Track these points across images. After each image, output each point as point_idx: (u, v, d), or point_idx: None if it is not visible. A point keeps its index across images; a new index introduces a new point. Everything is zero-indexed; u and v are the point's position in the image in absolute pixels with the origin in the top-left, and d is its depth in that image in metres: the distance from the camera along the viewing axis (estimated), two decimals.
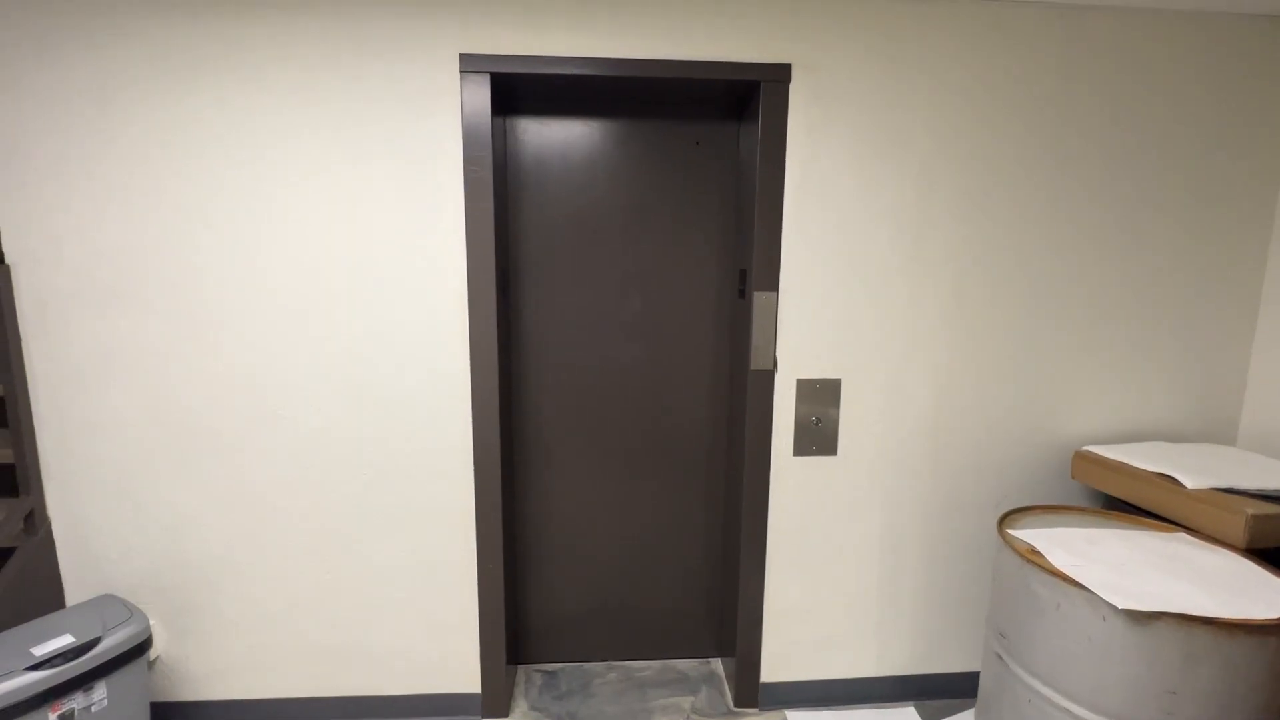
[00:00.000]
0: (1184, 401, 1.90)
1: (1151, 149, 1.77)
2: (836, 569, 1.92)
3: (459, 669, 1.90)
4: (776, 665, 1.96)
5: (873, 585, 1.93)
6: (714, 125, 1.91)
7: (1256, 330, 1.88)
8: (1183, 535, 1.46)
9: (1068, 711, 1.25)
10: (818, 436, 1.85)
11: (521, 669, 2.14)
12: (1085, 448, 1.79)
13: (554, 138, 1.89)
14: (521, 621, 2.14)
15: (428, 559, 1.83)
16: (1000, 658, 1.41)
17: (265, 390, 1.72)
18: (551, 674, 2.11)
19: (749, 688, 1.96)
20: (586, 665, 2.16)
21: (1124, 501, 1.67)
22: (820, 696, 1.98)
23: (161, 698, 1.84)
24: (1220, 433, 1.92)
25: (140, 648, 1.60)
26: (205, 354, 1.69)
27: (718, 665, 2.17)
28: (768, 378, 1.81)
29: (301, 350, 1.71)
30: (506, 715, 1.92)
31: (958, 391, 1.86)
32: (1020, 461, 1.89)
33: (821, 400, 1.83)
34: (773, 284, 1.76)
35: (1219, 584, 1.22)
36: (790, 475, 1.86)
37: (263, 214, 1.65)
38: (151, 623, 1.76)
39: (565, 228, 1.93)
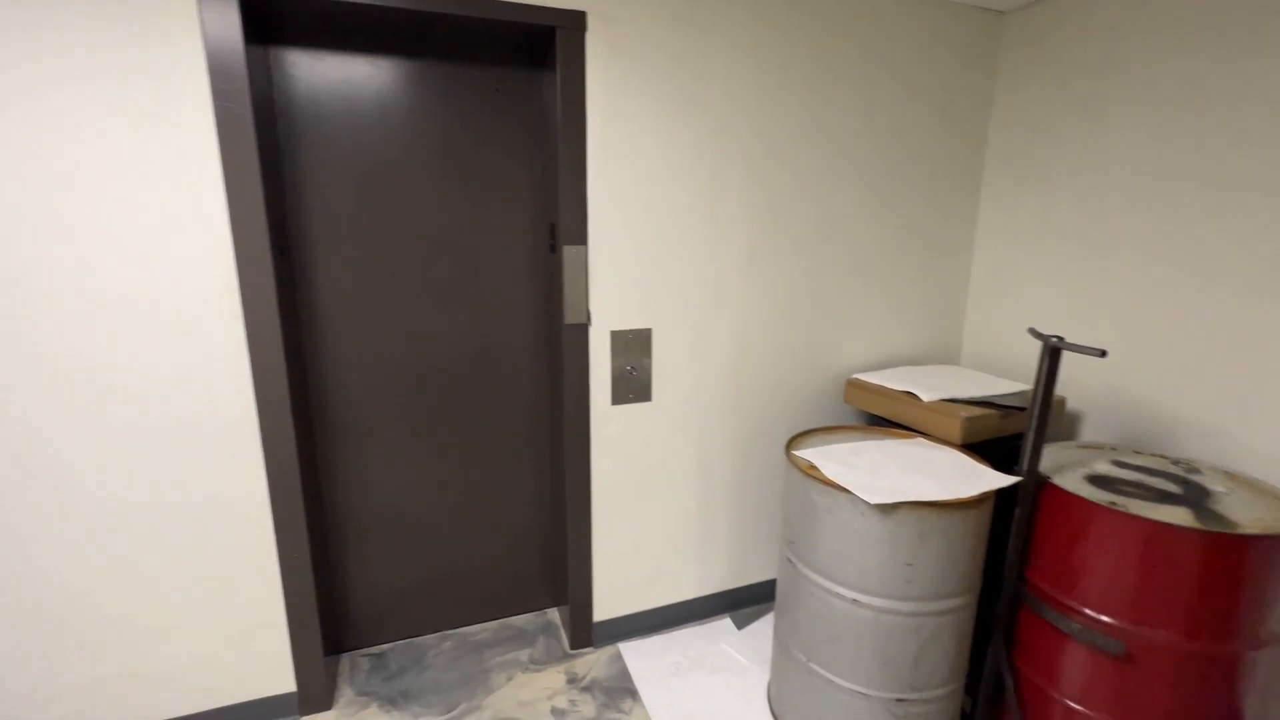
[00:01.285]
0: (923, 332, 2.30)
1: (894, 127, 2.06)
2: (658, 506, 2.05)
3: (270, 670, 1.72)
4: (608, 604, 2.07)
5: (691, 516, 2.11)
6: (516, 72, 1.83)
7: (971, 275, 2.32)
8: (921, 439, 1.78)
9: (840, 595, 1.49)
10: (634, 385, 1.93)
11: (346, 657, 2.01)
12: (854, 376, 2.10)
13: (333, 76, 1.68)
14: (343, 608, 2.00)
15: (216, 559, 1.61)
16: (791, 561, 1.63)
17: None
18: (380, 656, 2.01)
19: (583, 629, 2.04)
20: (419, 640, 2.09)
21: (882, 417, 1.99)
22: (650, 624, 2.14)
23: None
24: (949, 355, 2.36)
25: None
26: None
27: (554, 614, 2.24)
28: (582, 331, 1.83)
29: (7, 329, 1.36)
30: (329, 708, 1.80)
31: (755, 335, 2.05)
32: (807, 392, 2.16)
33: (635, 350, 1.91)
34: (581, 237, 1.77)
35: (943, 475, 1.52)
36: (610, 424, 1.93)
37: None
38: None
39: (358, 180, 1.75)
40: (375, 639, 2.06)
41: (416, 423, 1.95)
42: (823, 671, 1.56)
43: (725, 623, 2.19)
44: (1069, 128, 1.94)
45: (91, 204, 1.37)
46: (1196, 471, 1.55)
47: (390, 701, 1.82)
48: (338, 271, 1.78)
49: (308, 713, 1.77)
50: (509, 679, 1.91)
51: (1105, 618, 1.39)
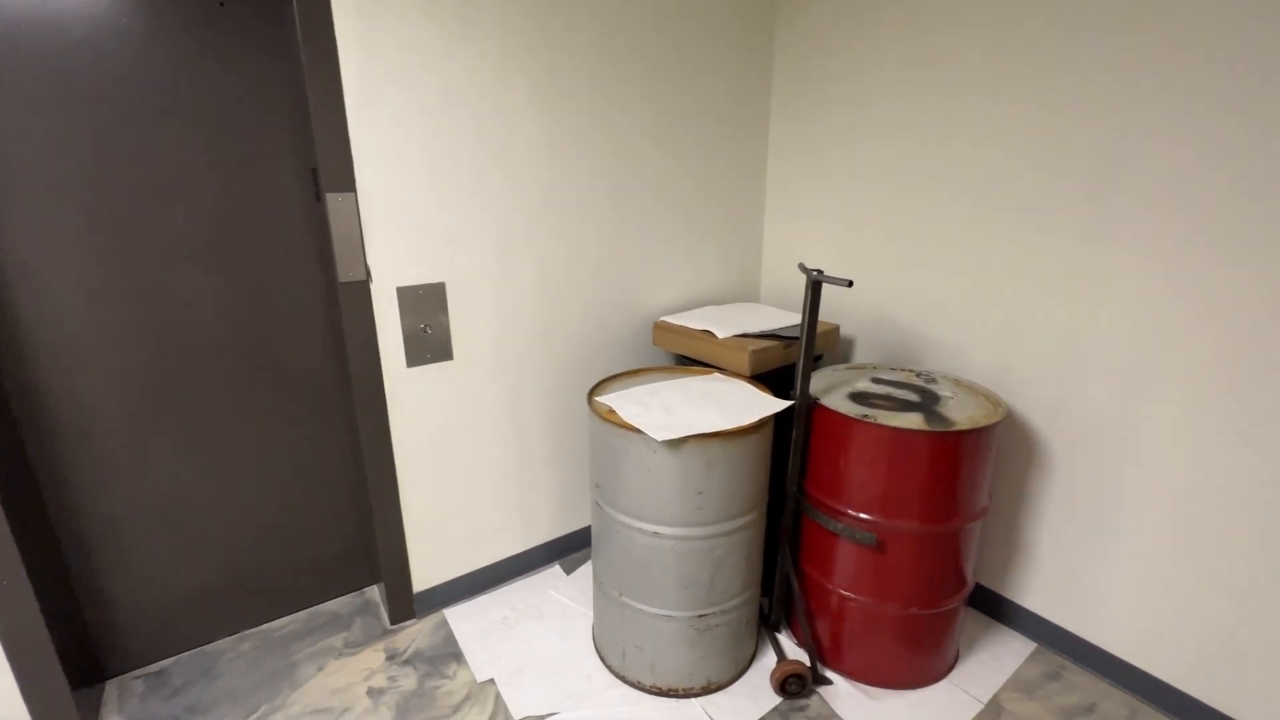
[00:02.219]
0: (726, 273, 2.41)
1: (683, 60, 2.06)
2: (473, 466, 1.98)
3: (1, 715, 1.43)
4: (428, 572, 1.99)
5: (509, 472, 2.07)
6: None
7: (765, 217, 2.46)
8: (717, 374, 1.88)
9: (642, 530, 1.55)
10: (431, 344, 1.81)
11: (113, 683, 1.74)
12: (660, 318, 2.15)
13: None
14: (106, 629, 1.71)
15: None
16: (599, 505, 1.66)
17: None
18: (159, 674, 1.77)
19: (403, 602, 1.95)
20: (209, 648, 1.87)
21: (686, 356, 2.07)
22: (477, 585, 2.10)
23: None
24: (749, 293, 2.51)
25: None
26: None
27: (373, 592, 2.11)
28: (362, 289, 1.66)
29: None
30: None
31: (560, 283, 2.01)
32: (616, 337, 2.18)
33: (428, 307, 1.78)
34: (348, 184, 1.58)
35: (730, 406, 1.61)
36: (409, 388, 1.80)
37: None
38: None
39: (61, 121, 1.38)
40: (152, 656, 1.80)
41: (177, 410, 1.67)
42: (632, 602, 1.63)
43: (555, 570, 2.22)
44: (838, 55, 2.08)
45: None
46: (933, 381, 1.81)
47: None
48: (46, 239, 1.42)
49: None
50: (319, 669, 1.78)
51: (863, 514, 1.59)
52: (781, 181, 2.36)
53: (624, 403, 1.61)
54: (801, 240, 2.33)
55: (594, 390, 1.73)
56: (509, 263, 1.89)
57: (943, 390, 1.74)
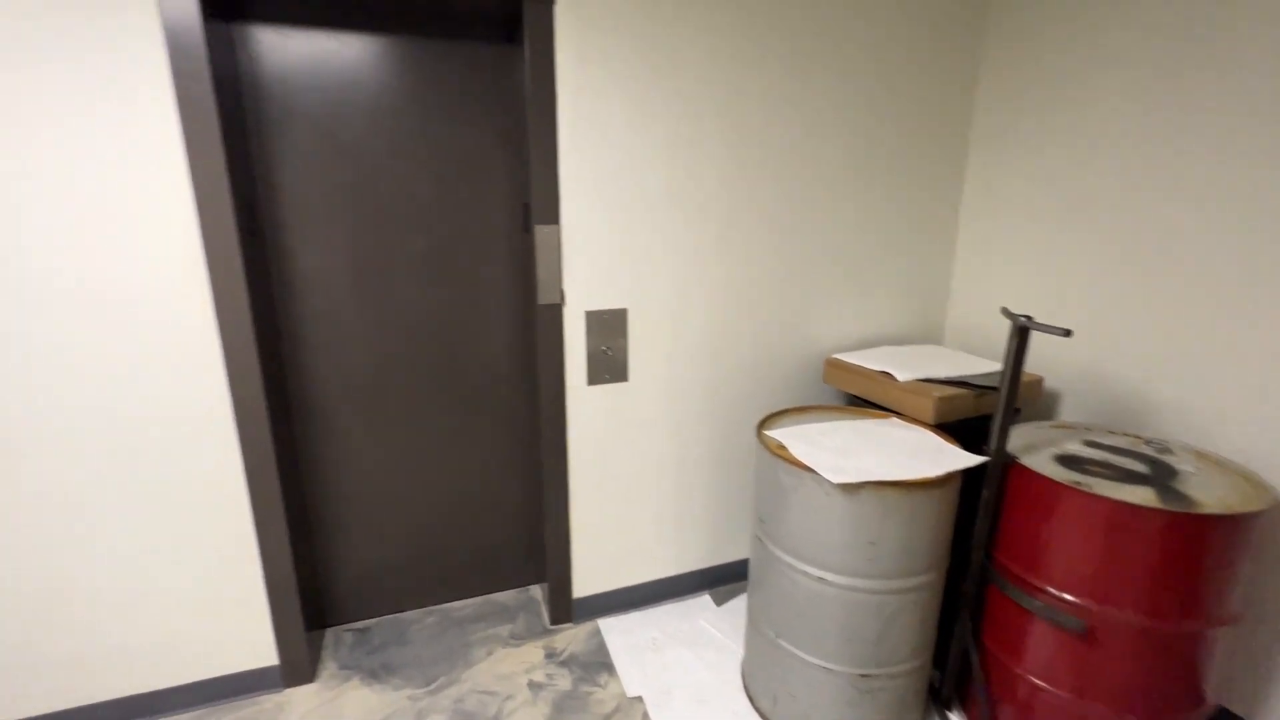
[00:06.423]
0: (906, 312, 2.28)
1: (877, 96, 2.02)
2: (636, 485, 2.07)
3: (252, 644, 1.76)
4: (587, 580, 2.10)
5: (669, 494, 2.12)
6: (488, 48, 1.80)
7: (956, 254, 2.29)
8: (894, 419, 1.78)
9: (806, 574, 1.50)
10: (610, 365, 1.93)
11: (330, 631, 2.06)
12: (833, 355, 2.09)
13: (301, 53, 1.65)
14: (326, 584, 2.03)
15: (195, 538, 1.64)
16: (761, 540, 1.64)
17: None
18: (364, 630, 2.06)
19: (563, 605, 2.08)
20: (402, 615, 2.13)
21: (859, 397, 1.98)
22: (629, 601, 2.17)
23: None
24: (932, 335, 2.34)
25: None
26: None
27: (536, 591, 2.27)
28: (556, 311, 1.83)
29: None
30: (312, 680, 1.84)
31: (732, 314, 2.04)
32: (784, 371, 2.16)
33: (611, 331, 1.90)
34: (554, 217, 1.76)
35: (910, 454, 1.51)
36: (587, 404, 1.94)
37: None
38: None
39: (330, 161, 1.74)
40: (359, 614, 2.10)
41: (395, 402, 1.97)
42: (790, 647, 1.58)
43: (705, 599, 2.22)
44: (1055, 101, 1.90)
45: (55, 193, 1.37)
46: (1168, 451, 1.54)
47: (372, 674, 1.86)
48: (310, 253, 1.78)
49: (291, 685, 1.81)
50: (489, 653, 1.95)
51: (1068, 596, 1.39)
52: (978, 216, 2.19)
53: (795, 440, 1.59)
54: (997, 280, 2.13)
55: (764, 423, 1.72)
56: (685, 293, 1.96)
57: (1181, 463, 1.48)
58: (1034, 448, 1.57)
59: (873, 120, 2.03)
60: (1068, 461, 1.49)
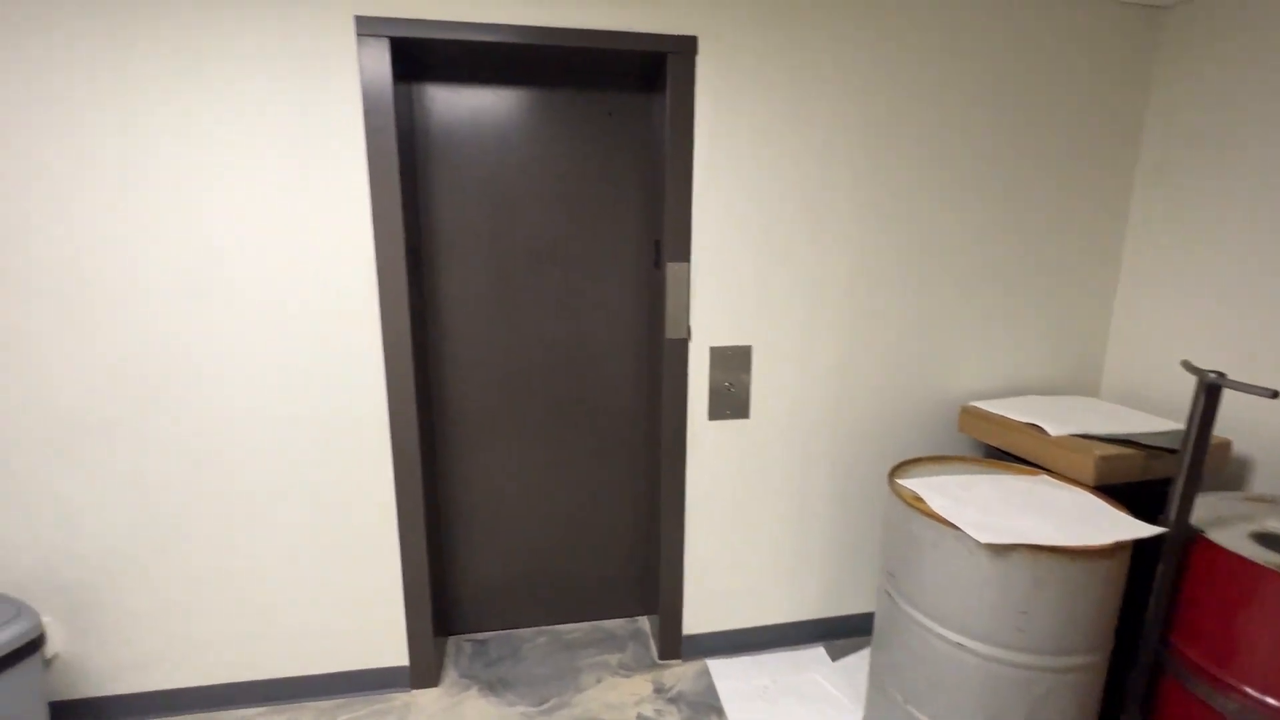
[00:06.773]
0: (1056, 359, 2.10)
1: (1025, 128, 1.91)
2: (751, 524, 2.03)
3: (386, 643, 1.90)
4: (698, 618, 2.07)
5: (785, 537, 2.06)
6: (627, 96, 1.92)
7: (1116, 297, 2.09)
8: (1045, 477, 1.63)
9: (943, 637, 1.40)
10: (731, 401, 1.93)
11: (451, 640, 2.17)
12: (970, 403, 1.96)
13: (463, 106, 1.85)
14: (450, 594, 2.16)
15: (345, 537, 1.81)
16: (890, 595, 1.55)
17: (155, 375, 1.63)
18: (482, 643, 2.15)
19: (672, 641, 2.06)
20: (516, 632, 2.21)
21: (1001, 450, 1.84)
22: (739, 644, 2.11)
23: (62, 696, 1.76)
24: (1086, 386, 2.14)
25: (32, 645, 1.52)
26: (85, 339, 1.58)
27: (644, 623, 2.27)
28: (682, 346, 1.87)
29: (194, 331, 1.63)
30: (437, 685, 1.95)
31: (859, 355, 1.98)
32: (915, 417, 2.05)
33: (734, 366, 1.91)
34: (685, 254, 1.81)
35: (1068, 517, 1.38)
36: (706, 439, 1.94)
37: (147, 186, 1.54)
38: (45, 620, 1.67)
39: (479, 200, 1.91)
40: (478, 626, 2.20)
41: (522, 424, 2.08)
42: (921, 716, 1.46)
43: (818, 652, 2.12)
44: (1240, 133, 1.71)
45: (267, 224, 1.61)
46: None
47: (489, 687, 1.94)
48: (459, 280, 1.95)
49: (417, 687, 1.93)
50: (598, 680, 1.97)
51: (1271, 700, 1.19)
52: (1143, 257, 1.99)
53: (931, 491, 1.50)
54: (1166, 328, 1.91)
55: (895, 471, 1.64)
56: (812, 332, 1.93)
57: None
58: (1223, 521, 1.38)
59: (1017, 165, 1.92)
60: (1268, 540, 1.30)
